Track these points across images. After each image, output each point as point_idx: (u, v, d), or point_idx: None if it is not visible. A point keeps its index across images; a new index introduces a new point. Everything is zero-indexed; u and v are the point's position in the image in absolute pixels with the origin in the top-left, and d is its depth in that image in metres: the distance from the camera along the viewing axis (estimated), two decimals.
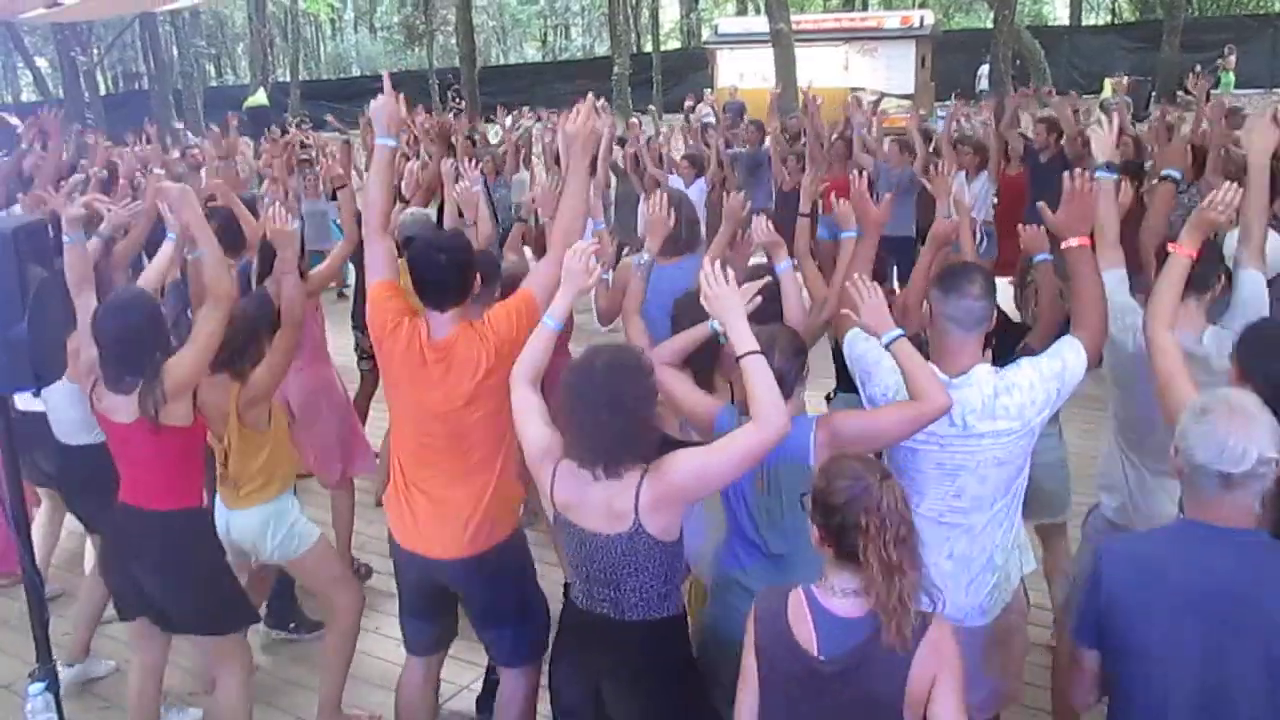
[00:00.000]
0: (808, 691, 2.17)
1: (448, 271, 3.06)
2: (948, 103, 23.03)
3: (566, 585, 3.96)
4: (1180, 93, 24.18)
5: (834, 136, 9.92)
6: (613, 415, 2.43)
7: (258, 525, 3.67)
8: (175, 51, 30.82)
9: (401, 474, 3.24)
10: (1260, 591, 2.04)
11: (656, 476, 2.48)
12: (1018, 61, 23.05)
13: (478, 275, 3.19)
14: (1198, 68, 24.27)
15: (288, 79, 33.63)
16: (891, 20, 24.24)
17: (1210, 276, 3.13)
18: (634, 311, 3.49)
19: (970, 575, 2.85)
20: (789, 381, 2.76)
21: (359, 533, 5.16)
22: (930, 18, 24.60)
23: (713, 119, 19.35)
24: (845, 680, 2.13)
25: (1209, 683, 2.06)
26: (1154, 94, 23.89)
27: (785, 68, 16.65)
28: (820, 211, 8.70)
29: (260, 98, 25.71)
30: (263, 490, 3.68)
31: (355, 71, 45.56)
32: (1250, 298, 3.12)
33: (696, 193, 9.07)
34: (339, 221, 9.25)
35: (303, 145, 17.56)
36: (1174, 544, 2.18)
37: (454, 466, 3.13)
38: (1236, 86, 24.16)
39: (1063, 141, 8.10)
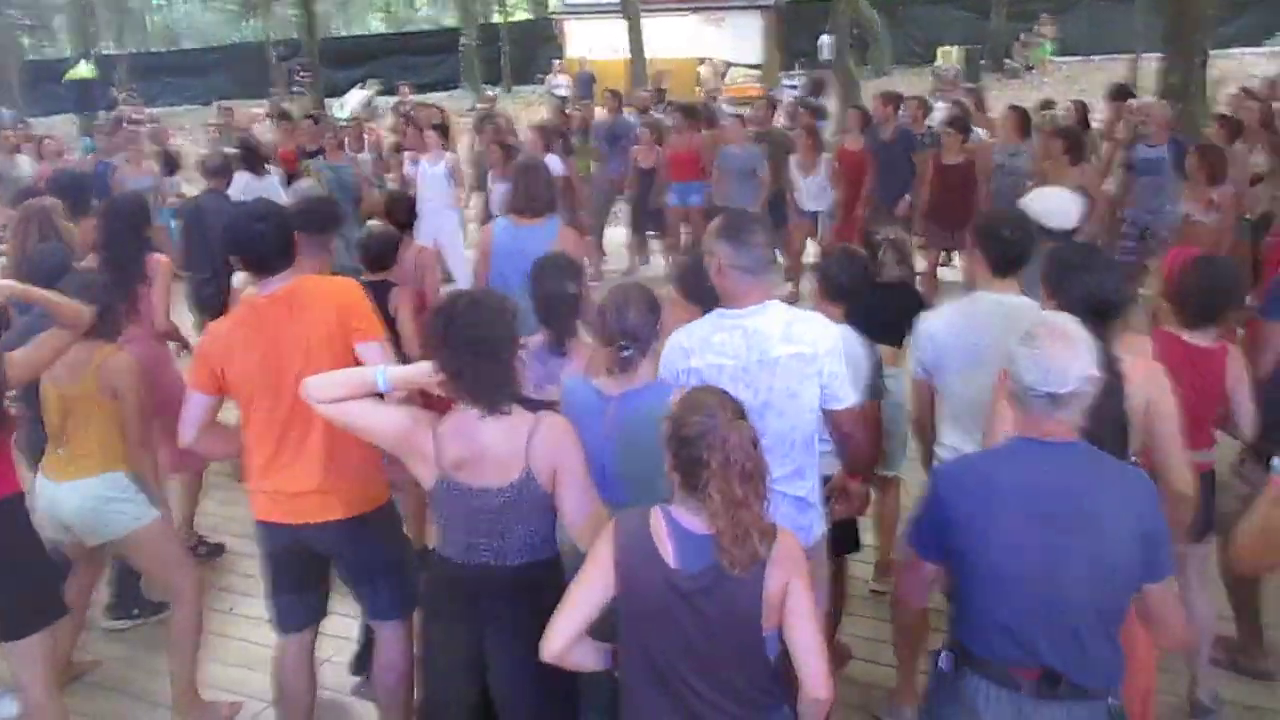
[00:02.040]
0: (668, 605, 2.27)
1: (270, 238, 3.12)
2: (793, 72, 23.70)
3: (424, 550, 4.02)
4: (1007, 59, 25.58)
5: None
6: (477, 357, 2.53)
7: (90, 499, 3.54)
8: None
9: (255, 454, 3.21)
10: (1083, 494, 2.24)
11: (549, 436, 2.59)
12: (855, 31, 23.70)
13: (295, 238, 3.25)
14: (1021, 36, 25.75)
15: (112, 51, 31.76)
16: None
17: (1029, 258, 3.35)
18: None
19: (788, 503, 2.96)
20: (643, 338, 2.85)
21: (211, 514, 5.08)
22: None
23: (564, 90, 19.40)
24: (704, 596, 2.24)
25: (1044, 579, 2.24)
26: (983, 60, 25.00)
27: (634, 39, 16.71)
28: (669, 179, 9.01)
29: (84, 70, 24.24)
30: (99, 461, 3.56)
31: (187, 44, 43.41)
32: None
33: (550, 164, 9.09)
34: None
35: (133, 120, 16.83)
36: (1007, 459, 2.36)
37: (304, 429, 3.10)
38: (1057, 54, 25.49)
39: (901, 114, 8.44)
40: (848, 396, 2.97)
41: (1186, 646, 2.59)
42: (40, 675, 3.28)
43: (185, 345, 5.19)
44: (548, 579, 2.69)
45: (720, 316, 2.96)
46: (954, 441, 3.42)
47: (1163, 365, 3.07)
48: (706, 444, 2.19)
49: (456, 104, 23.44)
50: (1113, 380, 2.64)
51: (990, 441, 2.85)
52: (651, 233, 10.01)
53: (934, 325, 3.45)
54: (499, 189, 9.19)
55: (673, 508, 2.32)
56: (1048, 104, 10.60)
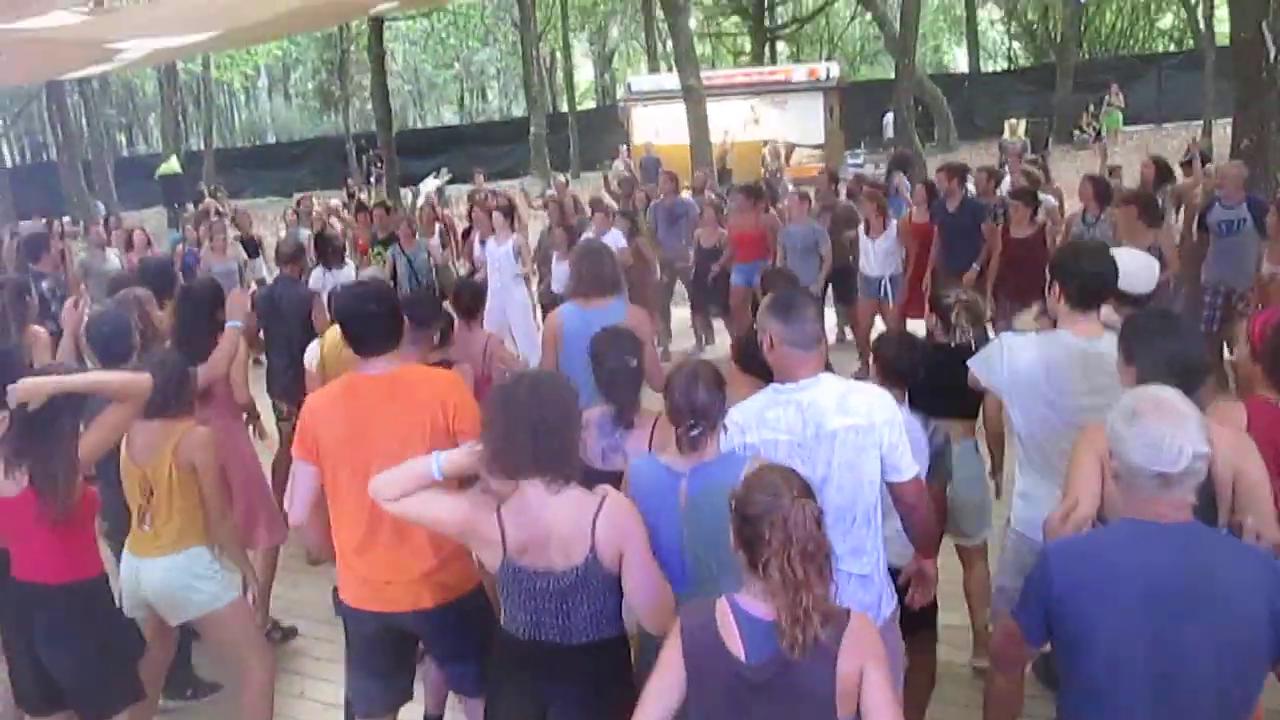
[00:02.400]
0: (739, 699, 2.22)
1: (380, 320, 3.16)
2: (858, 151, 23.87)
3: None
4: (1076, 131, 25.46)
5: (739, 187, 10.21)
6: (536, 436, 2.54)
7: (174, 574, 3.60)
8: (84, 121, 30.31)
9: (343, 536, 3.22)
10: (1203, 581, 2.13)
11: (614, 517, 2.59)
12: (920, 108, 23.85)
13: (405, 320, 3.30)
14: (1090, 107, 25.65)
15: (201, 147, 33.30)
16: (800, 73, 24.89)
17: (1112, 291, 3.30)
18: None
19: (853, 581, 2.91)
20: (711, 415, 2.85)
21: (282, 596, 5.11)
22: (836, 69, 25.34)
23: (629, 174, 19.73)
24: (774, 686, 2.19)
25: (1160, 671, 2.14)
26: (1052, 132, 24.91)
27: (698, 123, 16.99)
28: (734, 260, 9.05)
29: (173, 166, 25.39)
30: (182, 537, 3.63)
31: (271, 139, 45.35)
32: None
33: (611, 241, 9.24)
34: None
35: (218, 213, 17.54)
36: (1119, 541, 2.26)
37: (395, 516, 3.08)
38: (1126, 122, 25.29)
39: (967, 187, 8.42)
40: (909, 468, 2.93)
41: None
42: None
43: (257, 419, 5.31)
44: (614, 657, 2.69)
45: (775, 392, 2.95)
46: (1025, 486, 3.36)
47: (1259, 435, 2.93)
48: (769, 522, 2.17)
49: (526, 190, 24.02)
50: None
51: (1071, 502, 2.76)
52: (715, 312, 10.03)
53: (1018, 357, 3.33)
54: (560, 270, 9.43)
55: (739, 595, 2.29)
56: (1113, 170, 10.54)
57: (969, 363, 3.58)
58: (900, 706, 2.29)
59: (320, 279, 7.58)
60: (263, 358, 6.73)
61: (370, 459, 3.03)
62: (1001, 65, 41.59)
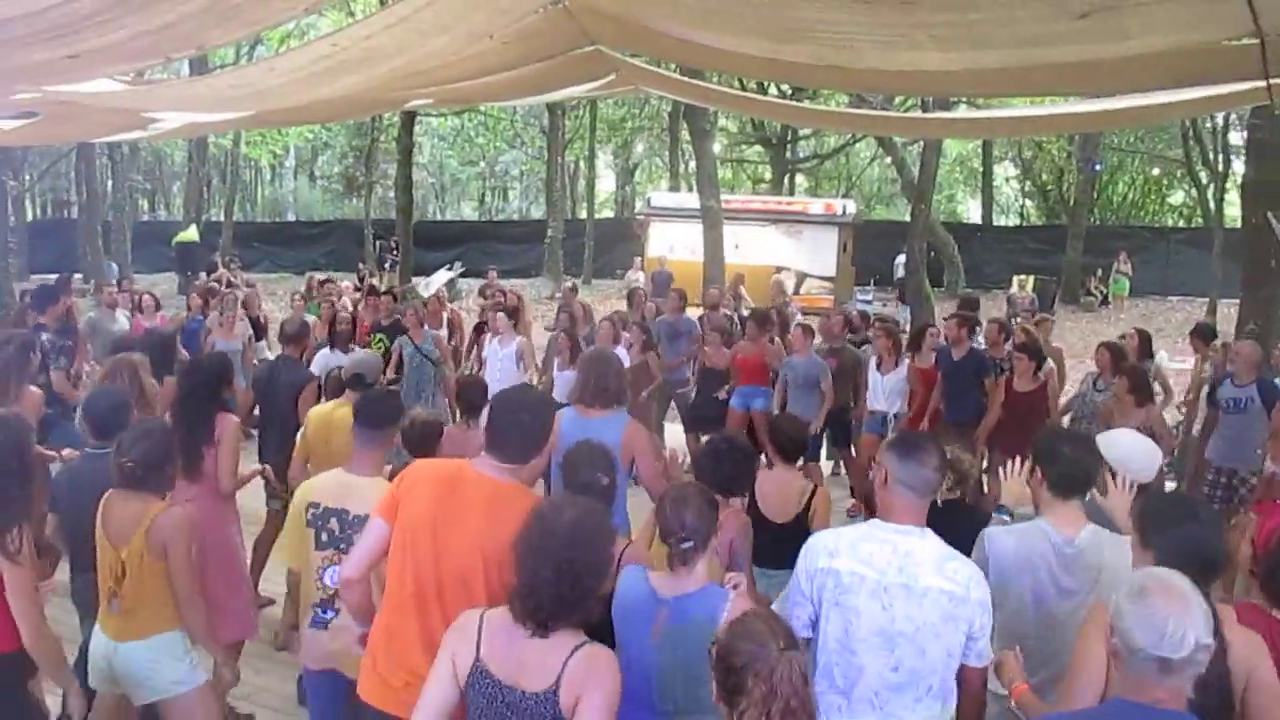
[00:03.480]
0: None
1: (529, 430, 3.05)
2: (867, 287, 24.19)
3: None
4: (1083, 293, 25.83)
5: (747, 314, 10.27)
6: (559, 576, 2.43)
7: (149, 656, 3.50)
8: (110, 183, 30.77)
9: (382, 623, 3.07)
10: None
11: (586, 665, 2.44)
12: (932, 253, 24.25)
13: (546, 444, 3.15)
14: (1098, 271, 26.08)
15: (221, 219, 33.78)
16: (816, 206, 25.44)
17: (1095, 479, 3.26)
18: None
19: None
20: (701, 535, 2.81)
21: (247, 682, 4.91)
22: (852, 207, 25.90)
23: (641, 284, 19.97)
24: None
25: None
26: (1058, 293, 25.27)
27: (713, 243, 17.25)
28: (735, 383, 9.05)
29: (191, 234, 25.71)
30: (155, 622, 3.53)
31: (291, 216, 46.01)
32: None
33: (620, 355, 9.26)
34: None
35: (229, 283, 17.67)
36: None
37: (442, 620, 2.91)
38: (1132, 292, 25.68)
39: (975, 338, 8.47)
40: (986, 657, 2.84)
41: None
42: None
43: (262, 474, 5.23)
44: None
45: (874, 527, 2.89)
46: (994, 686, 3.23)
47: None
48: (753, 673, 2.09)
49: (537, 291, 24.28)
50: (1218, 646, 2.48)
51: (1074, 686, 2.66)
52: (706, 434, 9.96)
53: (998, 548, 3.26)
54: (562, 377, 9.41)
55: None
56: (1125, 337, 10.62)
57: None
58: None
59: (325, 361, 7.56)
60: (253, 431, 6.67)
61: (445, 560, 2.93)
62: (1014, 220, 42.46)
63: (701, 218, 17.64)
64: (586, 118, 33.99)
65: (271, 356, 9.76)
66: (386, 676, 3.01)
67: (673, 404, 10.45)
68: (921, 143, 20.62)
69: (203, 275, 23.17)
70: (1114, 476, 3.66)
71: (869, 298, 22.77)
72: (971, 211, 44.67)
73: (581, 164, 38.89)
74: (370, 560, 3.09)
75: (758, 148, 36.23)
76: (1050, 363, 8.11)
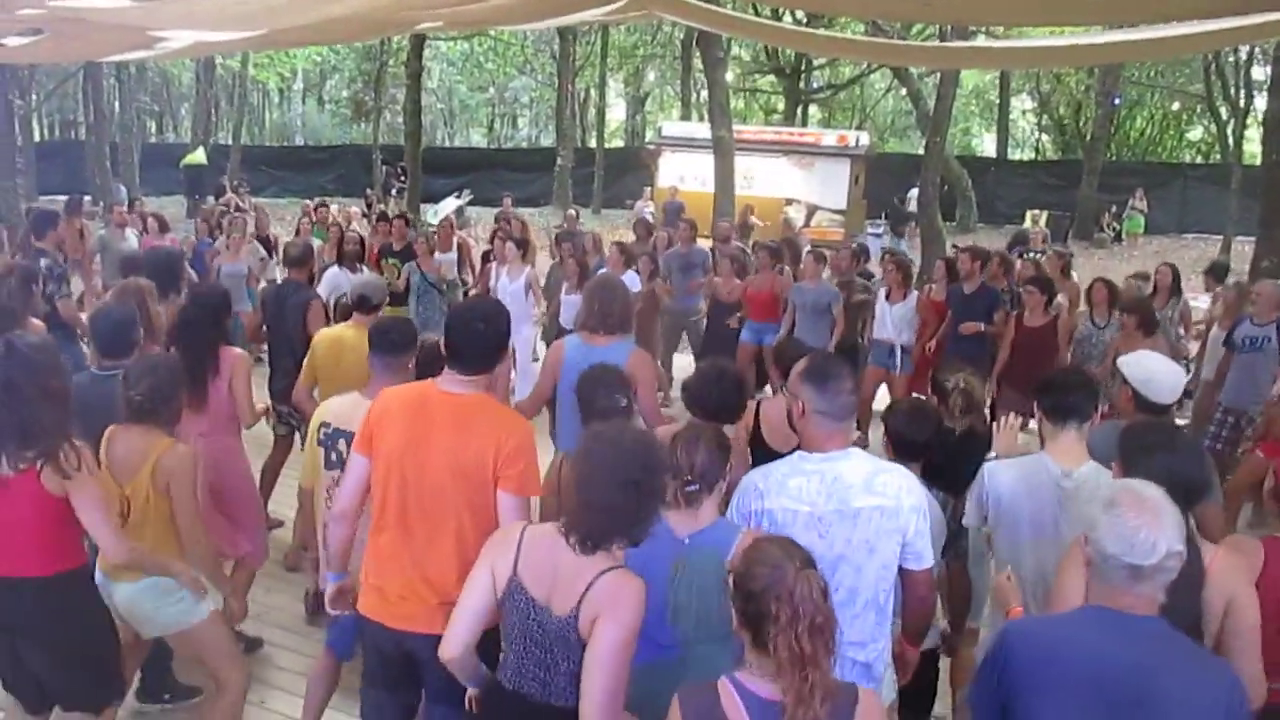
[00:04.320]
0: None
1: (485, 338, 3.08)
2: (878, 220, 23.98)
3: None
4: (1096, 230, 25.59)
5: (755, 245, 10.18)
6: (627, 498, 2.43)
7: (146, 594, 3.50)
8: (117, 104, 30.49)
9: (372, 543, 3.14)
10: (1156, 677, 2.09)
11: (608, 590, 2.43)
12: (945, 187, 24.00)
13: (505, 351, 3.20)
14: (1113, 208, 25.81)
15: (229, 142, 33.50)
16: (829, 138, 25.05)
17: (1087, 408, 3.27)
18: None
19: (855, 670, 2.86)
20: (710, 477, 2.81)
21: (257, 601, 5.01)
22: (865, 139, 25.52)
23: (650, 215, 19.83)
24: None
25: None
26: (1071, 229, 25.03)
27: (724, 174, 17.07)
28: (745, 316, 9.02)
29: (199, 157, 25.55)
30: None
31: (299, 141, 45.65)
32: None
33: (629, 282, 9.22)
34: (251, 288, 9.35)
35: (238, 208, 17.60)
36: (1079, 628, 2.23)
37: (434, 532, 3.02)
38: (1147, 230, 25.42)
39: (986, 272, 8.40)
40: (928, 557, 2.88)
41: None
42: None
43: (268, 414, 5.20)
44: None
45: (800, 460, 2.90)
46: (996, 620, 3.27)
47: (1275, 574, 2.90)
48: (774, 596, 2.11)
49: (546, 220, 24.14)
50: (1191, 570, 2.51)
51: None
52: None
53: (1000, 483, 3.30)
54: (568, 302, 9.40)
55: (741, 675, 2.21)
56: (1142, 275, 10.54)
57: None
58: None
59: (334, 279, 7.55)
60: (263, 354, 6.69)
61: (420, 480, 2.99)
62: (1029, 155, 41.94)
63: (713, 148, 17.41)
64: (598, 44, 33.45)
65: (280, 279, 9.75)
66: (383, 591, 3.08)
67: (684, 335, 10.42)
68: (938, 74, 20.29)
69: (210, 199, 23.12)
70: (1136, 403, 3.67)
71: (880, 231, 22.56)
72: (986, 145, 44.10)
73: (592, 91, 38.31)
74: (358, 495, 3.16)
75: (771, 78, 35.64)
76: (1062, 297, 8.07)
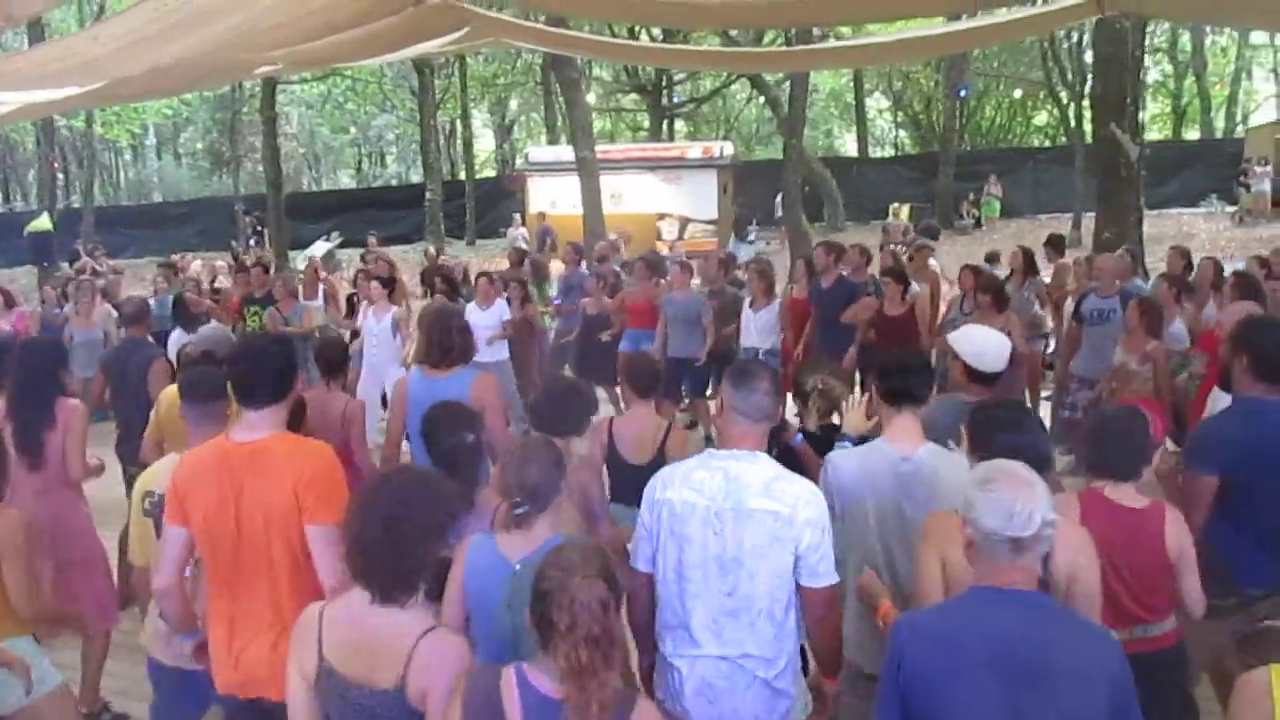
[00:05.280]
0: None
1: (268, 371, 3.01)
2: (751, 228, 24.40)
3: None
4: (957, 217, 26.55)
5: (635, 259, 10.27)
6: (389, 536, 2.35)
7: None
8: None
9: (213, 613, 3.03)
10: (1048, 651, 2.13)
11: (431, 655, 2.33)
12: (807, 189, 24.58)
13: (297, 381, 3.14)
14: (970, 195, 26.81)
15: (80, 204, 32.21)
16: (694, 150, 25.42)
17: (923, 391, 3.36)
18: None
19: (757, 685, 2.83)
20: (543, 494, 2.77)
21: (118, 675, 4.78)
22: (730, 149, 26.01)
23: (523, 244, 19.81)
24: None
25: None
26: (933, 218, 25.91)
27: (591, 195, 17.13)
28: (623, 327, 9.06)
29: (44, 223, 24.37)
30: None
31: (156, 198, 44.14)
32: None
33: (497, 312, 9.17)
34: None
35: (94, 271, 16.90)
36: (968, 612, 2.27)
37: (268, 591, 2.91)
38: (1003, 212, 26.49)
39: (842, 266, 8.60)
40: (827, 575, 2.82)
41: None
42: None
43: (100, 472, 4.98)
44: None
45: (709, 455, 2.92)
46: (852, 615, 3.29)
47: (1090, 528, 3.01)
48: (555, 603, 2.11)
49: (420, 258, 23.85)
50: None
51: (921, 600, 2.76)
52: (598, 379, 9.97)
53: (842, 472, 3.32)
54: None
55: (528, 666, 2.20)
56: (992, 256, 10.97)
57: None
58: None
59: (178, 341, 7.31)
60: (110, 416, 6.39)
61: (239, 535, 2.90)
62: (889, 152, 43.28)
63: (578, 170, 17.47)
64: (457, 76, 33.26)
65: None
66: (239, 660, 2.96)
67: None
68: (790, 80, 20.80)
69: (65, 265, 22.13)
70: (968, 374, 3.79)
71: (751, 237, 22.95)
72: (849, 145, 45.35)
73: (458, 124, 38.08)
74: (178, 568, 3.05)
75: (634, 95, 36.01)
76: (916, 286, 8.32)
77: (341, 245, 23.96)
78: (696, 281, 9.29)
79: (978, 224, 26.44)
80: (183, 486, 3.01)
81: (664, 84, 33.26)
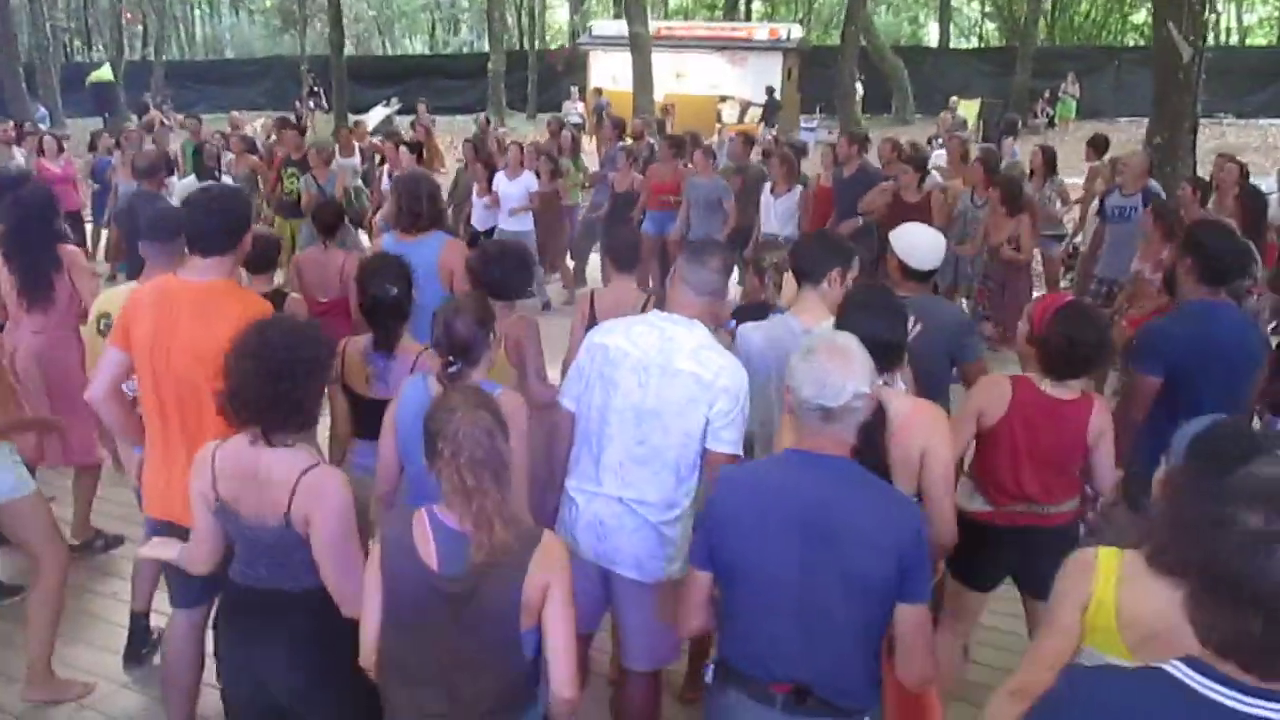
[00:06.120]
0: (428, 608, 2.29)
1: (218, 222, 3.14)
2: (812, 116, 23.86)
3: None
4: (1030, 116, 25.60)
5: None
6: (267, 378, 2.46)
7: None
8: (30, 23, 29.48)
9: (146, 443, 3.24)
10: (842, 509, 2.24)
11: (308, 491, 2.48)
12: (862, 78, 23.86)
13: (246, 236, 3.25)
14: (1045, 94, 25.73)
15: (150, 58, 32.54)
16: (761, 32, 24.80)
17: (819, 270, 3.37)
18: None
19: (646, 529, 2.97)
20: (472, 348, 2.89)
21: (124, 502, 5.06)
22: (798, 32, 25.30)
23: (578, 118, 19.65)
24: (462, 596, 2.26)
25: (797, 590, 2.25)
26: (1004, 114, 25.01)
27: (642, 71, 16.88)
28: (646, 208, 9.09)
29: (105, 73, 24.75)
30: None
31: (229, 54, 44.36)
32: None
33: (524, 183, 9.24)
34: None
35: (162, 124, 17.22)
36: (777, 469, 2.39)
37: (195, 424, 3.07)
38: (1080, 114, 25.46)
39: (864, 155, 8.47)
40: (731, 443, 2.92)
41: (926, 683, 2.56)
42: None
43: None
44: (328, 603, 2.56)
45: (654, 315, 3.07)
46: None
47: (1017, 409, 3.15)
48: (441, 434, 2.23)
49: (475, 127, 23.77)
50: (874, 419, 2.64)
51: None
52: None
53: (750, 342, 3.42)
54: (479, 204, 9.44)
55: (436, 506, 2.33)
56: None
57: None
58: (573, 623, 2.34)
59: (186, 188, 7.55)
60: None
61: (168, 371, 3.07)
62: (974, 44, 41.61)
63: (630, 45, 17.18)
64: None
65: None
66: (158, 485, 3.18)
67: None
68: None
69: (133, 117, 22.56)
70: (902, 270, 3.82)
71: (813, 125, 22.48)
72: (934, 35, 43.69)
73: None
74: (110, 383, 3.23)
75: None
76: (937, 176, 8.17)
77: (401, 111, 24.00)
78: (725, 162, 9.21)
79: (1051, 124, 25.50)
80: (128, 313, 3.20)
81: None
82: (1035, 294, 7.94)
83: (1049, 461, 3.24)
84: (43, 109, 25.22)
